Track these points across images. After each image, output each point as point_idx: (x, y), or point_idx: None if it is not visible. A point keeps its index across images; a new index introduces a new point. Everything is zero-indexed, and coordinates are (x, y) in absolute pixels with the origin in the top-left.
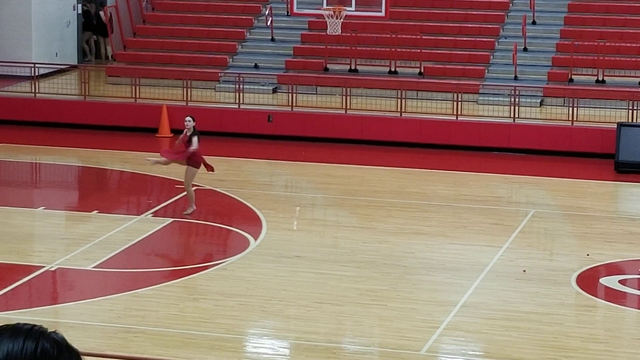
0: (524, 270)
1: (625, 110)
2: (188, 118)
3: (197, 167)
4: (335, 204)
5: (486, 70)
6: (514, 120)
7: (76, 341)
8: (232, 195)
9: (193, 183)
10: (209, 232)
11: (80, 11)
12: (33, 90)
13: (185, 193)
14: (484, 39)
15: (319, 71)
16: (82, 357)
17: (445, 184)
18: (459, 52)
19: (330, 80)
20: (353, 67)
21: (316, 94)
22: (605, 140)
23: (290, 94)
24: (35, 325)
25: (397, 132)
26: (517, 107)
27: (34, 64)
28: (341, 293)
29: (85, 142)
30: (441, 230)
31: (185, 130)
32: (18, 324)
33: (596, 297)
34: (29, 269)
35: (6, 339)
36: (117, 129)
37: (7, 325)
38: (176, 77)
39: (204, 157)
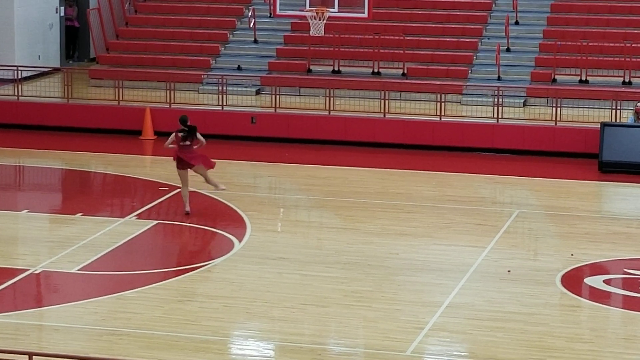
0: (509, 271)
1: (608, 110)
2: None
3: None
4: (319, 205)
5: (469, 71)
6: (497, 121)
7: (61, 344)
8: (216, 197)
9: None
10: (193, 234)
11: (62, 14)
12: (16, 93)
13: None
14: (467, 40)
15: (302, 72)
16: None
17: (429, 184)
18: (442, 53)
19: (313, 82)
20: (336, 69)
21: (299, 95)
22: (589, 140)
23: (273, 96)
24: None
25: (381, 133)
26: (500, 108)
27: (17, 66)
28: (326, 294)
29: (68, 144)
30: (425, 231)
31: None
32: None
33: (581, 297)
34: (13, 272)
35: None
36: (101, 131)
37: None
38: (159, 79)
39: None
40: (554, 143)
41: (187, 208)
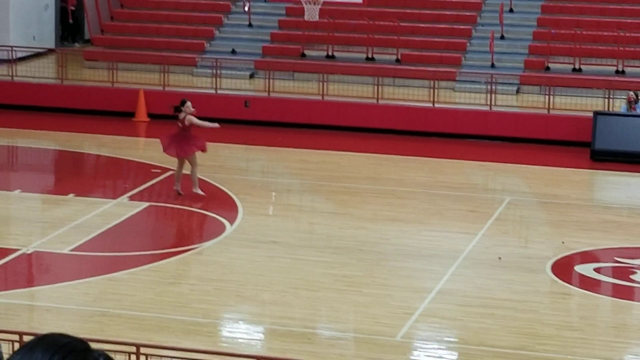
0: (500, 258)
1: (601, 98)
2: (189, 103)
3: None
4: (311, 190)
5: (463, 58)
6: (490, 108)
7: (52, 324)
8: (209, 180)
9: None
10: (185, 216)
11: None
12: (10, 74)
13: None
14: (461, 27)
15: (296, 57)
16: None
17: (422, 170)
18: (436, 40)
19: (307, 66)
20: (330, 54)
21: (293, 79)
22: (582, 129)
23: (267, 80)
24: (74, 340)
25: (374, 118)
26: (493, 95)
27: (12, 47)
28: (316, 279)
29: (62, 125)
30: (417, 217)
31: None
32: (54, 335)
33: (571, 284)
34: (5, 251)
35: (39, 351)
36: (94, 112)
37: (43, 337)
38: (153, 61)
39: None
40: (546, 131)
41: (177, 187)
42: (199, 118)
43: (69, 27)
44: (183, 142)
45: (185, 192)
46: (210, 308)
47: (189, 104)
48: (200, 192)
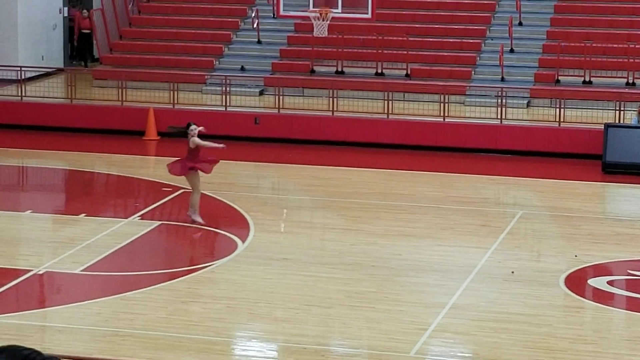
0: (512, 272)
1: (612, 111)
2: (193, 126)
3: (208, 171)
4: (323, 206)
5: (473, 72)
6: (501, 122)
7: (64, 345)
8: (219, 198)
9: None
10: (196, 235)
11: (66, 14)
12: (20, 94)
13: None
14: (471, 41)
15: (306, 73)
16: None
17: (433, 185)
18: (446, 54)
19: (316, 82)
20: (339, 69)
21: (303, 96)
22: (593, 141)
23: (276, 96)
24: (34, 352)
25: (384, 133)
26: (504, 109)
27: (20, 67)
28: (329, 295)
29: (72, 145)
30: (429, 231)
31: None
32: (17, 346)
33: (584, 298)
34: (17, 272)
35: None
36: (104, 132)
37: (6, 347)
38: (163, 79)
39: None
40: (557, 144)
41: (195, 217)
42: (207, 137)
43: (78, 48)
44: (186, 162)
45: (203, 214)
46: (222, 326)
47: (193, 127)
48: (199, 219)
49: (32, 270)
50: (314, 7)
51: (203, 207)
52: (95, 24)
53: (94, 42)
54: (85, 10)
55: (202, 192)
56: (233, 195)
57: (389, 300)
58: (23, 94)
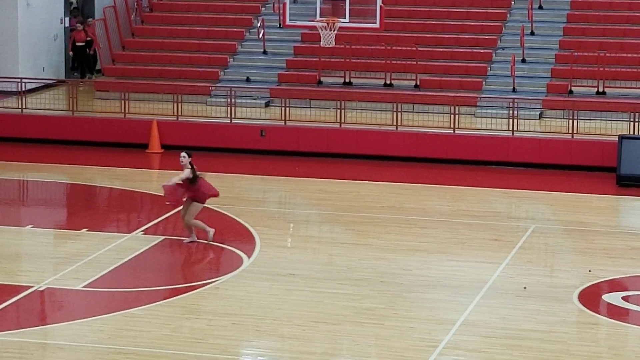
0: (525, 287)
1: (626, 122)
2: (183, 154)
3: (203, 202)
4: (330, 220)
5: (484, 83)
6: (512, 134)
7: None
8: (225, 212)
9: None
10: (201, 250)
11: (67, 24)
12: (20, 106)
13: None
14: (482, 51)
15: (313, 84)
16: None
17: (443, 199)
18: (456, 64)
19: (324, 94)
20: (347, 80)
21: (310, 107)
22: (607, 153)
23: (283, 108)
24: None
25: (393, 146)
26: (515, 120)
27: (21, 79)
28: (337, 312)
29: (73, 158)
30: (439, 246)
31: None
32: None
33: (599, 314)
34: (17, 289)
35: None
36: (107, 144)
37: None
38: (166, 91)
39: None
40: (570, 156)
41: (209, 235)
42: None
43: (74, 61)
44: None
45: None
46: (227, 343)
47: (183, 154)
48: (187, 240)
49: (33, 286)
50: (321, 17)
51: (209, 222)
52: (96, 34)
53: (96, 53)
54: (79, 24)
55: (206, 205)
56: (239, 210)
57: (399, 317)
58: (23, 107)
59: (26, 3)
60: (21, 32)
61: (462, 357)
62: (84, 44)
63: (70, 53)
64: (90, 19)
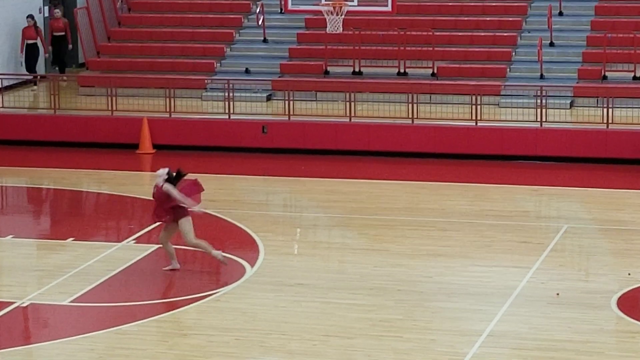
0: (557, 294)
1: None
2: (159, 172)
3: (187, 214)
4: (341, 224)
5: (508, 69)
6: (541, 125)
7: None
8: (224, 217)
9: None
10: (199, 259)
11: (47, 14)
12: None
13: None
14: (505, 34)
15: (319, 75)
16: None
17: (465, 198)
18: (477, 49)
19: (331, 85)
20: (357, 70)
21: (316, 100)
22: None
23: (286, 102)
24: None
25: (409, 141)
26: (544, 110)
27: None
28: (350, 324)
29: (56, 161)
30: (462, 250)
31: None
32: None
33: None
34: None
35: None
36: (93, 145)
37: None
38: (157, 85)
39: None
40: (605, 148)
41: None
42: (210, 149)
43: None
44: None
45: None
46: None
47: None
48: (167, 268)
49: (15, 302)
50: (326, 0)
51: (206, 228)
52: (79, 24)
53: (79, 45)
54: (57, 10)
55: (206, 211)
56: (240, 214)
57: (419, 329)
58: (0, 105)
59: None
60: None
61: None
62: (63, 33)
63: (50, 46)
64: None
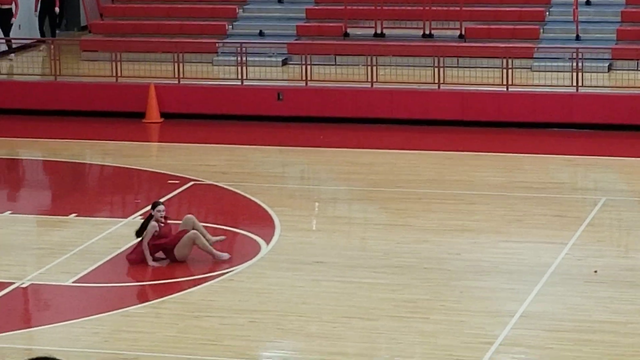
0: (595, 271)
1: None
2: (160, 207)
3: (177, 242)
4: (362, 198)
5: (541, 30)
6: (577, 90)
7: None
8: (237, 191)
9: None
10: (211, 236)
11: None
12: None
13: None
14: None
15: (338, 37)
16: None
17: (495, 169)
18: (508, 9)
19: (351, 48)
20: (379, 32)
21: (335, 64)
22: None
23: (303, 66)
24: None
25: (435, 108)
26: (580, 74)
27: None
28: (373, 305)
29: (57, 131)
30: (492, 225)
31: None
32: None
33: None
34: None
35: None
36: (96, 114)
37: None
38: (165, 49)
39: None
40: None
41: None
42: (221, 118)
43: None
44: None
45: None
46: (245, 345)
47: (160, 207)
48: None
49: (14, 282)
50: None
51: (218, 203)
52: None
53: (80, 7)
54: None
55: (217, 184)
56: (254, 187)
57: (446, 310)
58: None
59: None
60: None
61: (522, 355)
62: (9, 6)
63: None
64: None
